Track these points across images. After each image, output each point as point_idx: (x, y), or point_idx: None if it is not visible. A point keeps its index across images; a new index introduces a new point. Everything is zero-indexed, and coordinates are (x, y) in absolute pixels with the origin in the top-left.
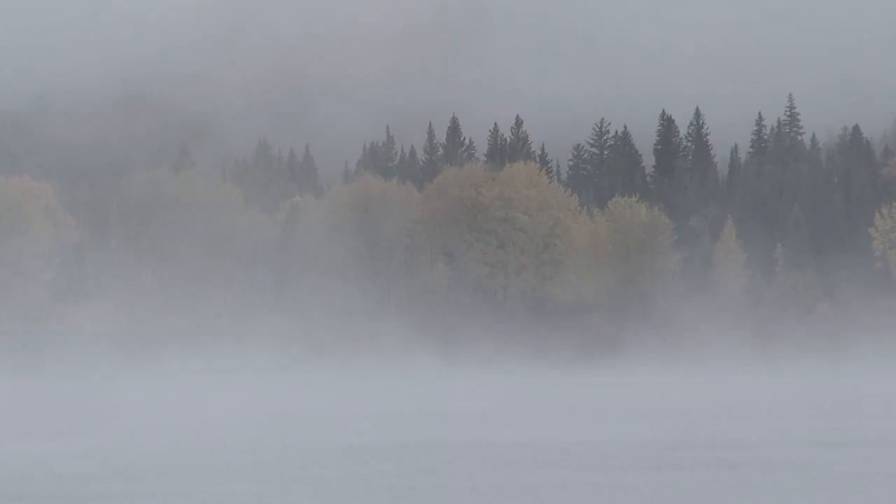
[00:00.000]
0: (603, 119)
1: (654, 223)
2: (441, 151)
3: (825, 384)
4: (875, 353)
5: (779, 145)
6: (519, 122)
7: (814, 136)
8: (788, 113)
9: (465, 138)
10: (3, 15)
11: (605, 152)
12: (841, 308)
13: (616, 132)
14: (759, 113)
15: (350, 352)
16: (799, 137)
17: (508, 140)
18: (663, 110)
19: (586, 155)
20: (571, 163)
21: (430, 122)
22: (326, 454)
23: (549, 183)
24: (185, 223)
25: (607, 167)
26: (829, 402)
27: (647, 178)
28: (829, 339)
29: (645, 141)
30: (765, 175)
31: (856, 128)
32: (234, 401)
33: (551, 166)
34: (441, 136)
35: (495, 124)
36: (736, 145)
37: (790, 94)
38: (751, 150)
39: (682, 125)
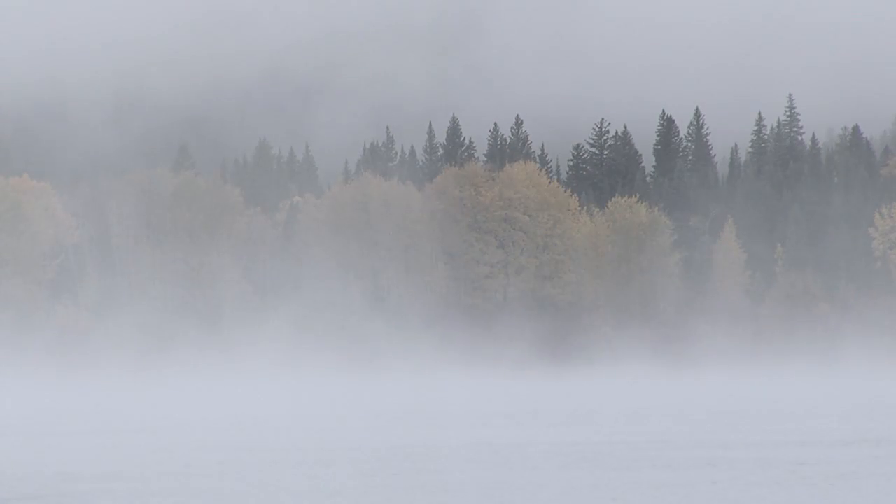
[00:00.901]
0: (603, 119)
1: (654, 223)
2: (441, 151)
3: (824, 384)
4: (875, 353)
5: (779, 145)
6: (519, 122)
7: (814, 136)
8: (788, 113)
9: (465, 138)
10: (3, 16)
11: (605, 152)
12: (841, 308)
13: (616, 132)
14: (759, 113)
15: (350, 352)
16: (799, 137)
17: (508, 140)
18: (663, 110)
19: (586, 155)
20: (571, 163)
21: (430, 122)
22: (329, 456)
23: (549, 183)
24: (185, 223)
25: (607, 167)
26: (828, 402)
27: (647, 178)
28: (829, 339)
29: (645, 141)
30: (765, 175)
31: (856, 128)
32: (235, 402)
33: (551, 166)
34: (441, 136)
35: (495, 124)
36: (736, 145)
37: (790, 94)
38: (751, 150)
39: (682, 125)
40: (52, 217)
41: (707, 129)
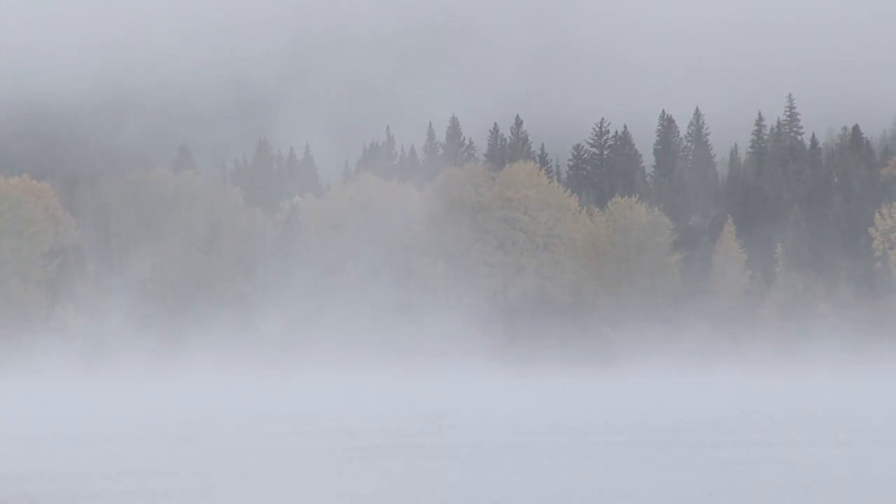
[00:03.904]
0: (603, 119)
1: (654, 223)
2: (441, 151)
3: (824, 384)
4: (875, 353)
5: (779, 145)
6: (519, 122)
7: (814, 136)
8: (788, 113)
9: (465, 138)
10: (4, 16)
11: (605, 152)
12: (841, 308)
13: (616, 132)
14: (759, 113)
15: (349, 352)
16: (799, 137)
17: (508, 140)
18: (663, 110)
19: (586, 155)
20: (571, 163)
21: (430, 122)
22: (325, 456)
23: (549, 183)
24: (185, 223)
25: (607, 167)
26: (827, 402)
27: (647, 178)
28: (829, 339)
29: (645, 141)
30: (765, 175)
31: (856, 128)
32: (236, 401)
33: (551, 166)
34: (441, 136)
35: (495, 124)
36: (736, 145)
37: (790, 94)
38: (751, 150)
39: (682, 125)
40: (52, 217)
41: (707, 129)
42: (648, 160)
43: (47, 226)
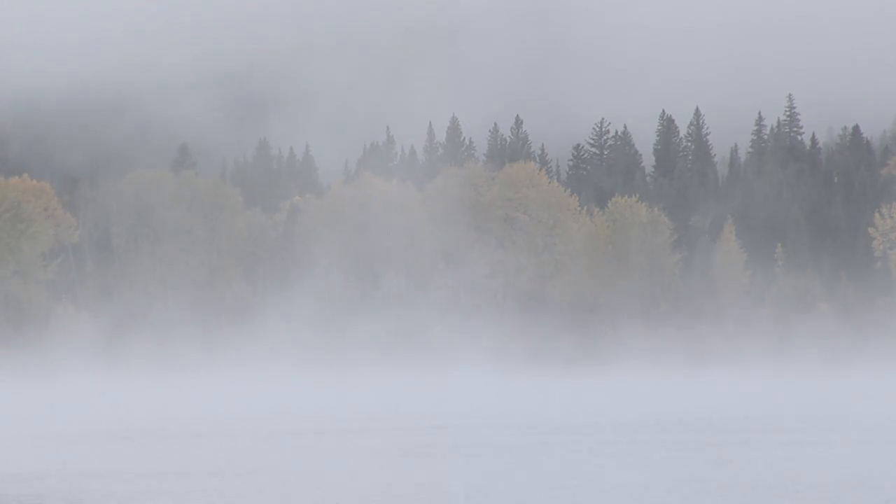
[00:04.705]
0: (603, 119)
1: (654, 223)
2: (441, 151)
3: (824, 383)
4: (875, 353)
5: (779, 145)
6: (519, 122)
7: (814, 136)
8: (788, 113)
9: (465, 138)
10: (3, 15)
11: (605, 152)
12: (841, 308)
13: (616, 132)
14: (759, 113)
15: (349, 352)
16: (799, 137)
17: (508, 140)
18: (663, 110)
19: (586, 155)
20: (571, 163)
21: (430, 122)
22: (323, 456)
23: (549, 183)
24: (185, 223)
25: (607, 167)
26: (827, 402)
27: (647, 178)
28: (829, 339)
29: (645, 141)
30: (765, 175)
31: (856, 128)
32: (234, 401)
33: (551, 166)
34: (441, 136)
35: (495, 124)
36: (736, 145)
37: (790, 94)
38: (751, 150)
39: (682, 125)
40: (52, 217)
41: (707, 129)
42: (648, 160)
43: (47, 226)
